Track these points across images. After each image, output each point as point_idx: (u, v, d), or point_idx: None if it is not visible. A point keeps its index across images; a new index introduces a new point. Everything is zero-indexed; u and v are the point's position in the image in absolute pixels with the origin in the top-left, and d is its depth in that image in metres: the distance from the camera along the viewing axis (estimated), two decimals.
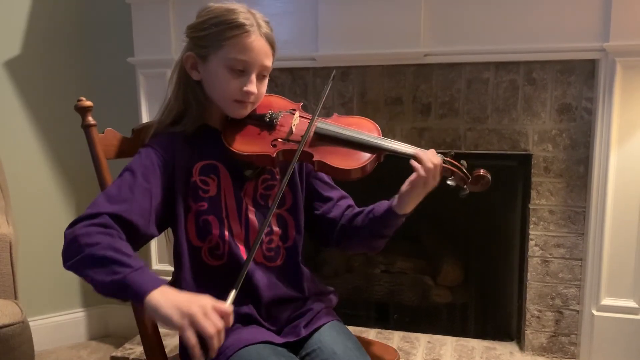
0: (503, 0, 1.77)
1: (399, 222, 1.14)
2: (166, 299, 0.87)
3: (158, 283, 0.90)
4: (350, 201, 1.24)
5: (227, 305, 0.89)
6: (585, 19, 1.73)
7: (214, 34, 1.07)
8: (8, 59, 2.13)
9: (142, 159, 1.08)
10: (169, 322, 0.85)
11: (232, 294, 0.92)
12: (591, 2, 1.71)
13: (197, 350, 0.83)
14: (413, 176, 1.08)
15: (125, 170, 1.07)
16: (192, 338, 0.83)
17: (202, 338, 0.84)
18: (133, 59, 2.05)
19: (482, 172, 1.12)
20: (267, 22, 1.12)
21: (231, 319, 0.88)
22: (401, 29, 1.84)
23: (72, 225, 0.98)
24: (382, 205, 1.15)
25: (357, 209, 1.21)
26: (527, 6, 1.76)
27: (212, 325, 0.84)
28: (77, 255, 0.93)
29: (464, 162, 1.13)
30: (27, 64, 2.16)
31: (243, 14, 1.07)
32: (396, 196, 1.12)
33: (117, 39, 2.19)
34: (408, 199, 1.09)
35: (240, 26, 1.06)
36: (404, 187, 1.10)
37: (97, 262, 0.91)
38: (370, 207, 1.18)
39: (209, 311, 0.85)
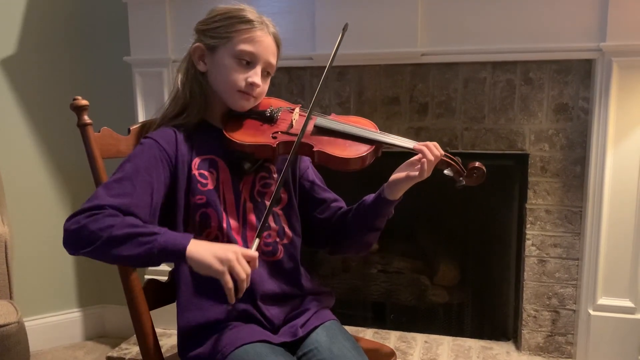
0: (500, 0, 1.77)
1: (389, 210, 1.16)
2: (203, 249, 0.96)
3: (187, 237, 0.97)
4: (342, 204, 1.25)
5: (253, 251, 0.98)
6: (582, 18, 1.73)
7: (224, 27, 1.12)
8: (3, 57, 2.12)
9: (145, 151, 1.08)
10: (211, 269, 0.95)
11: (256, 242, 1.01)
12: (588, 2, 1.72)
13: (233, 292, 0.95)
14: (412, 168, 1.10)
15: (126, 162, 1.06)
16: (230, 282, 0.94)
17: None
18: (129, 58, 2.04)
19: (477, 164, 1.13)
20: (274, 26, 1.17)
21: (257, 263, 0.98)
22: (398, 28, 1.84)
23: (70, 218, 0.97)
24: (370, 196, 1.18)
25: (347, 208, 1.23)
26: (523, 6, 1.76)
27: (243, 270, 0.95)
28: (95, 241, 0.95)
29: (458, 158, 1.15)
30: (22, 62, 2.15)
31: (252, 13, 1.14)
32: (385, 185, 1.14)
33: (114, 38, 2.19)
34: (402, 185, 1.11)
35: (250, 21, 1.12)
36: (399, 174, 1.12)
37: (121, 241, 0.95)
38: (359, 201, 1.20)
39: (240, 257, 0.95)
